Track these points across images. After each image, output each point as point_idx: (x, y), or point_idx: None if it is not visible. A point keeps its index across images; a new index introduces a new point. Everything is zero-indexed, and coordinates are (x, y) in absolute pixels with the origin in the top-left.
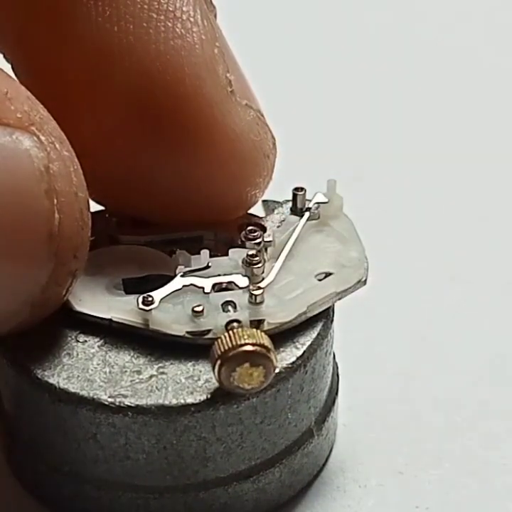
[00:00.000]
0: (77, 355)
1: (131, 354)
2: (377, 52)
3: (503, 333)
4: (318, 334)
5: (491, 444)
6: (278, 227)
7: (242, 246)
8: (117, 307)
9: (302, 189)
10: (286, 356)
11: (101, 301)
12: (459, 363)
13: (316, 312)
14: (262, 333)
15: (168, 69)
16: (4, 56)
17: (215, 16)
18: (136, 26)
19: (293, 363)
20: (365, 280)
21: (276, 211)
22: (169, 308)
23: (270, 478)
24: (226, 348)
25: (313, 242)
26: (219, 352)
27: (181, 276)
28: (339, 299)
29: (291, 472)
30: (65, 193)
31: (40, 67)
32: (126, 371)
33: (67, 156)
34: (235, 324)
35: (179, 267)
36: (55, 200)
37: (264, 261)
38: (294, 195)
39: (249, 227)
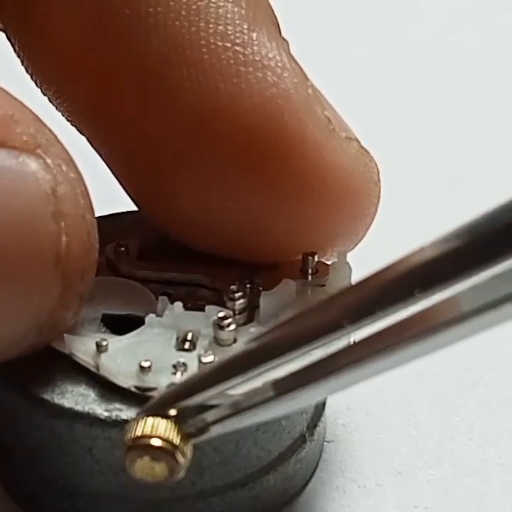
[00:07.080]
0: (69, 370)
1: None
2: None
3: (504, 333)
4: None
5: (489, 443)
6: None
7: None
8: (77, 343)
9: (313, 253)
10: None
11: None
12: (458, 363)
13: None
14: (175, 427)
15: (268, 120)
16: (77, 129)
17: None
18: (227, 84)
19: None
20: None
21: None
22: (120, 358)
23: (265, 485)
24: (131, 436)
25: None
26: (124, 439)
27: (148, 325)
28: None
29: (286, 478)
30: (72, 215)
31: (125, 139)
32: (117, 387)
33: (73, 178)
34: None
35: (150, 315)
36: (62, 223)
37: (238, 323)
38: (304, 259)
39: (233, 286)
